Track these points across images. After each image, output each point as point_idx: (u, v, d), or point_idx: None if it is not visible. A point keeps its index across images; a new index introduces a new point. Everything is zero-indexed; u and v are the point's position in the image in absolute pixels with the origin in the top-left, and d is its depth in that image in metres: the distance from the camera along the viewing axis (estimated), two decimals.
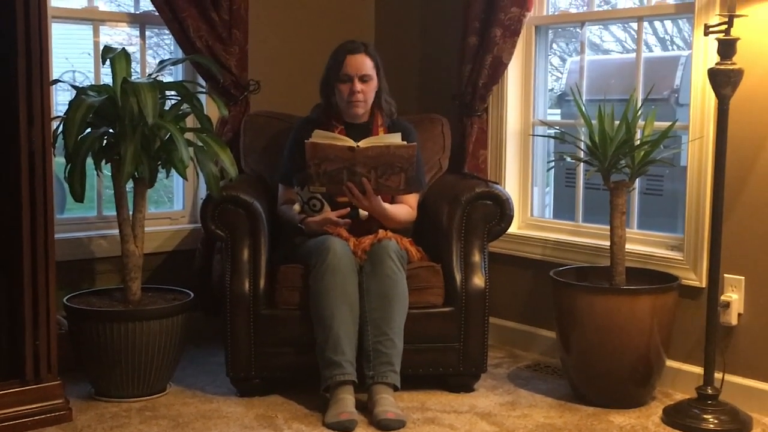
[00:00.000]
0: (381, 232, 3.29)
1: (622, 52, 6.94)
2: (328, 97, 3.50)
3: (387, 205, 3.37)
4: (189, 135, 3.35)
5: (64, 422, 3.00)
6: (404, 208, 3.46)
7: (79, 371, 3.29)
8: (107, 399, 3.24)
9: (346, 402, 3.04)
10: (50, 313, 2.98)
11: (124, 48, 3.29)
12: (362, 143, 3.21)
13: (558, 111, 5.51)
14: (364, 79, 3.41)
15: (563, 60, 6.69)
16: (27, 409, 2.95)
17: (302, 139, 3.29)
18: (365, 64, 3.43)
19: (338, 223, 3.30)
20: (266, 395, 3.29)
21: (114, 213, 3.32)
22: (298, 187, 3.41)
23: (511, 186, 3.95)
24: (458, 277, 3.32)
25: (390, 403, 3.05)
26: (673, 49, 7.19)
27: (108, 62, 3.23)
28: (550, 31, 4.08)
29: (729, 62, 2.95)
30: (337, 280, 3.14)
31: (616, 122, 3.20)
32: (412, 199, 3.50)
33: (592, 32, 6.26)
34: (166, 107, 3.34)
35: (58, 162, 3.33)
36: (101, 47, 3.33)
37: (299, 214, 3.41)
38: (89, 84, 3.45)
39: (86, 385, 3.31)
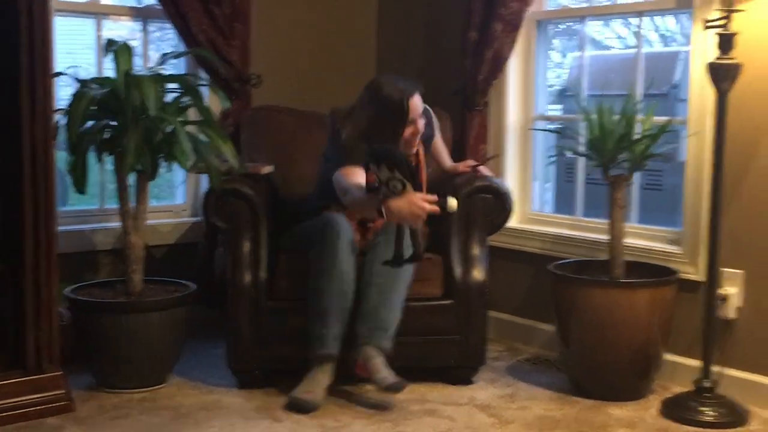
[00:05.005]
0: None
1: (622, 49, 6.94)
2: (380, 139, 3.14)
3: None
4: (191, 128, 3.36)
5: (66, 413, 3.02)
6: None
7: (80, 362, 3.30)
8: (109, 390, 3.26)
9: (317, 381, 3.07)
10: (52, 305, 3.00)
11: (126, 41, 3.30)
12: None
13: (559, 107, 5.51)
14: (421, 116, 3.34)
15: (564, 56, 6.69)
16: (29, 400, 2.97)
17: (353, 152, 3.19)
18: (420, 101, 3.30)
19: (424, 208, 2.92)
20: (267, 387, 3.30)
21: (116, 205, 3.33)
22: (374, 165, 2.91)
23: (511, 180, 3.96)
24: (458, 271, 3.34)
25: (386, 368, 3.07)
26: (672, 45, 7.18)
27: (111, 55, 3.24)
28: (550, 27, 4.09)
29: (728, 57, 2.96)
30: (336, 257, 3.14)
31: (616, 117, 3.21)
32: (444, 150, 3.69)
33: (593, 28, 6.26)
34: (168, 100, 3.35)
35: (61, 155, 3.34)
36: (104, 41, 3.35)
37: (371, 193, 2.96)
38: (91, 77, 3.46)
39: (88, 376, 3.32)
